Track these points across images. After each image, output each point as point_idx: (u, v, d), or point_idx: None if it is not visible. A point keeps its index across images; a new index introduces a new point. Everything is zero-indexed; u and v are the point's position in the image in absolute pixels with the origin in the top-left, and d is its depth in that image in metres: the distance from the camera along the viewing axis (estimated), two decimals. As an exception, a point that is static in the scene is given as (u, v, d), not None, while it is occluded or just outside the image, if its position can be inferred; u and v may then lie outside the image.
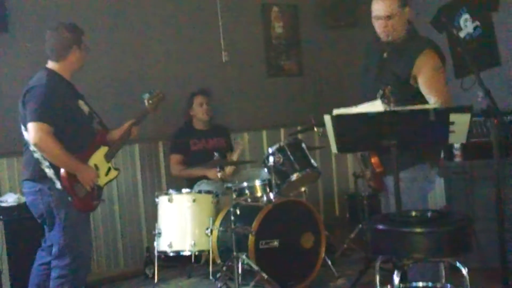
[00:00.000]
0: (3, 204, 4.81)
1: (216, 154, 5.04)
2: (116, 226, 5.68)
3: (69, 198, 3.96)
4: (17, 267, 4.72)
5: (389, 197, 3.90)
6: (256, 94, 6.54)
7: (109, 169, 4.27)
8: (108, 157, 4.26)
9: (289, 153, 4.95)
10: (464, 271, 3.20)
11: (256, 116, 6.50)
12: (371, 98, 3.52)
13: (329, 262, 5.02)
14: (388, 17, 3.74)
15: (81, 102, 4.15)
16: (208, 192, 5.11)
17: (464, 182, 4.88)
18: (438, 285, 3.53)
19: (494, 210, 3.46)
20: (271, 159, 4.90)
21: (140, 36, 5.82)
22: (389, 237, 3.17)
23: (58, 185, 3.94)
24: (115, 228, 5.68)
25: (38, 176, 3.97)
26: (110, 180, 4.33)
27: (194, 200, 4.92)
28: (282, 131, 6.65)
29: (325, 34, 6.98)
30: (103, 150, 4.23)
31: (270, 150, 4.98)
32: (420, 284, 3.60)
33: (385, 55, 3.88)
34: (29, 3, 5.26)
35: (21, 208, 4.80)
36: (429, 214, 3.32)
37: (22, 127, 4.01)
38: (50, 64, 4.09)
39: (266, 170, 4.99)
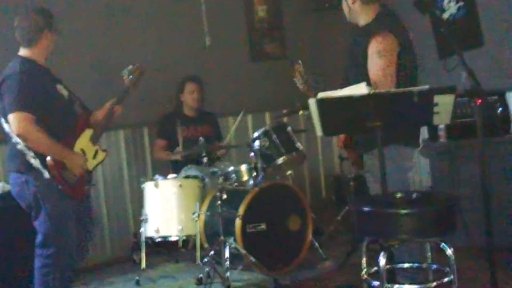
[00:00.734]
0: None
1: (201, 139, 5.04)
2: (102, 212, 5.67)
3: (59, 187, 3.87)
4: (2, 255, 4.66)
5: (367, 175, 4.01)
6: (240, 78, 6.53)
7: (96, 151, 4.19)
8: (94, 139, 4.17)
9: (274, 136, 4.98)
10: (449, 251, 3.23)
11: (241, 100, 6.48)
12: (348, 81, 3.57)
13: (316, 244, 5.05)
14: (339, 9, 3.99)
15: (59, 87, 4.04)
16: (194, 177, 5.11)
17: (449, 162, 4.91)
18: (424, 265, 3.56)
19: (479, 189, 3.48)
20: (256, 143, 4.92)
21: (122, 20, 5.77)
22: (375, 219, 3.19)
23: (46, 174, 3.84)
24: (102, 214, 5.66)
25: (24, 167, 3.87)
26: (99, 163, 4.25)
27: (180, 186, 4.92)
28: (267, 115, 6.65)
29: (308, 17, 6.97)
30: (88, 133, 4.14)
31: (256, 134, 4.99)
32: (406, 264, 3.63)
33: (355, 39, 3.94)
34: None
35: (5, 196, 4.77)
36: (414, 195, 3.34)
37: (2, 119, 3.91)
38: (22, 51, 3.96)
39: (252, 153, 4.99)
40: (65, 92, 4.06)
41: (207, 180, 5.12)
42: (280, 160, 4.95)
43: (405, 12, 4.10)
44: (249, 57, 6.68)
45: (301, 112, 5.39)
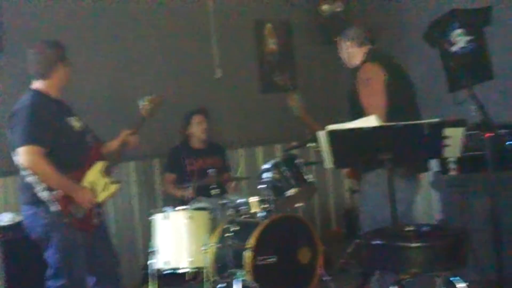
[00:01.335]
0: (2, 225, 4.79)
1: (210, 170, 5.06)
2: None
3: (65, 220, 3.86)
4: (14, 286, 4.70)
5: (359, 203, 4.17)
6: (250, 110, 6.56)
7: (107, 183, 4.15)
8: (105, 171, 4.15)
9: (284, 168, 4.97)
10: (461, 285, 3.20)
11: (251, 132, 6.51)
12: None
13: (327, 277, 5.02)
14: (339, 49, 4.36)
15: (71, 119, 4.04)
16: (204, 208, 5.11)
17: (460, 195, 4.89)
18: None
19: (490, 222, 3.47)
20: (266, 175, 4.92)
21: (134, 52, 5.84)
22: (385, 252, 3.17)
23: (53, 207, 3.84)
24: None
25: (32, 200, 3.87)
26: (110, 195, 4.22)
27: (190, 217, 4.91)
28: (277, 147, 6.66)
29: (318, 50, 7.02)
30: (99, 165, 4.12)
31: (266, 166, 4.99)
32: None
33: (351, 81, 4.17)
34: (25, 23, 5.27)
35: (16, 227, 4.79)
36: (424, 228, 3.32)
37: (12, 152, 3.90)
38: (35, 84, 3.98)
39: (262, 186, 4.99)
40: (77, 124, 4.05)
41: (217, 212, 5.12)
42: (290, 192, 4.93)
43: (415, 46, 4.15)
44: (259, 89, 6.71)
45: (311, 144, 5.41)
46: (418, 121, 3.32)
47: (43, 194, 3.83)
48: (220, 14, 6.34)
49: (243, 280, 4.60)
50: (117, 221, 5.70)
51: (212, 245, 4.86)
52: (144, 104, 4.36)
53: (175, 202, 5.45)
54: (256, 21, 6.71)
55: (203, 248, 4.81)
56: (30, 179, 3.85)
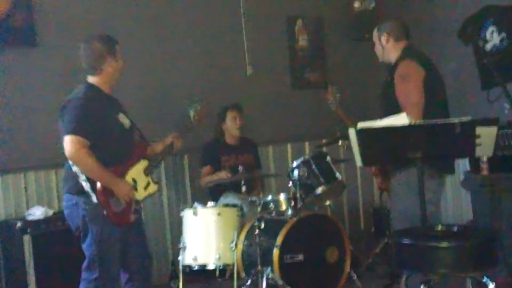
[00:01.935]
0: (31, 218, 4.86)
1: (240, 167, 5.07)
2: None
3: (104, 212, 3.91)
4: (45, 281, 4.75)
5: (390, 201, 4.14)
6: (281, 107, 6.55)
7: (148, 183, 4.20)
8: (148, 170, 4.19)
9: (314, 166, 4.94)
10: (491, 286, 3.15)
11: (281, 129, 6.50)
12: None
13: (354, 277, 4.98)
14: (374, 44, 4.29)
15: (121, 115, 4.09)
16: (233, 205, 5.11)
17: (491, 195, 4.82)
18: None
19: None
20: (296, 172, 4.90)
21: (166, 50, 5.86)
22: (414, 252, 3.14)
23: (94, 198, 3.88)
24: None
25: (75, 189, 3.94)
26: (150, 194, 4.26)
27: (219, 214, 4.91)
28: (307, 144, 6.64)
29: (349, 47, 6.98)
30: (143, 163, 4.17)
31: (295, 163, 4.97)
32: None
33: (386, 77, 4.12)
34: (57, 17, 5.32)
35: (48, 221, 4.87)
36: (454, 228, 3.28)
37: (61, 140, 3.98)
38: (89, 78, 4.06)
39: (291, 183, 4.97)
40: (125, 121, 4.10)
41: (245, 209, 5.11)
42: (319, 190, 4.90)
43: (448, 43, 4.09)
44: (290, 86, 6.70)
45: (341, 142, 5.37)
46: (450, 120, 3.27)
47: (85, 185, 3.89)
48: (251, 10, 6.33)
49: (270, 278, 4.59)
50: (146, 216, 5.68)
51: (240, 242, 4.86)
52: (194, 113, 4.42)
53: (204, 197, 5.46)
54: (287, 17, 6.69)
55: (231, 245, 4.82)
56: (74, 169, 3.91)
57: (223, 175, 5.47)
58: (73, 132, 3.82)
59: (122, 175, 4.04)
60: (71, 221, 4.02)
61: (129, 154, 4.11)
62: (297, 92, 6.72)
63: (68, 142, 3.82)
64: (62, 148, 3.93)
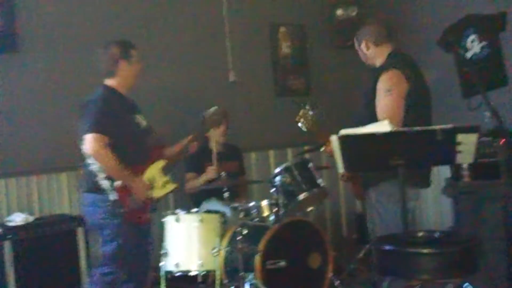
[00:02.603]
0: (11, 224, 4.82)
1: (222, 174, 5.06)
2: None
3: (122, 210, 4.02)
4: (25, 286, 4.72)
5: (369, 210, 4.12)
6: (264, 113, 6.55)
7: (166, 182, 4.34)
8: (165, 170, 4.34)
9: (296, 172, 4.94)
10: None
11: (263, 135, 6.50)
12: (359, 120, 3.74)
13: (337, 282, 5.00)
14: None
15: (137, 116, 4.24)
16: (215, 212, 5.10)
17: (472, 202, 4.86)
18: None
19: (502, 230, 3.44)
20: (278, 178, 4.91)
21: (150, 54, 5.82)
22: (396, 258, 3.16)
23: (112, 196, 4.01)
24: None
25: (94, 188, 4.07)
26: (167, 193, 4.41)
27: (201, 220, 4.89)
28: (289, 150, 6.65)
29: (332, 54, 7.01)
30: (160, 163, 4.32)
31: (278, 170, 4.98)
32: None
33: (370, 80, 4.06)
34: (39, 23, 5.31)
35: (29, 227, 4.83)
36: (436, 234, 3.30)
37: (79, 141, 4.10)
38: (106, 81, 4.21)
39: (273, 189, 4.98)
40: (142, 122, 4.26)
41: (228, 215, 5.11)
42: (302, 196, 4.90)
43: (429, 51, 4.12)
44: (273, 93, 6.71)
45: (323, 148, 5.38)
46: (431, 127, 3.30)
47: (104, 183, 4.02)
48: (234, 17, 6.35)
49: (253, 284, 4.59)
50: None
51: (222, 248, 4.86)
52: (208, 116, 4.71)
53: (186, 204, 5.44)
54: (270, 25, 6.71)
55: (213, 251, 4.81)
56: (93, 167, 4.04)
57: (210, 173, 5.45)
58: (94, 130, 3.96)
59: (140, 174, 4.18)
60: (90, 218, 4.21)
61: (146, 154, 4.26)
62: (280, 99, 6.73)
63: (90, 140, 3.96)
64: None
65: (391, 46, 4.08)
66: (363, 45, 4.16)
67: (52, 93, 5.32)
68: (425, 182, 4.03)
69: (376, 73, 3.97)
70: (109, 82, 4.21)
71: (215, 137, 5.70)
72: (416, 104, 3.85)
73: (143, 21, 5.86)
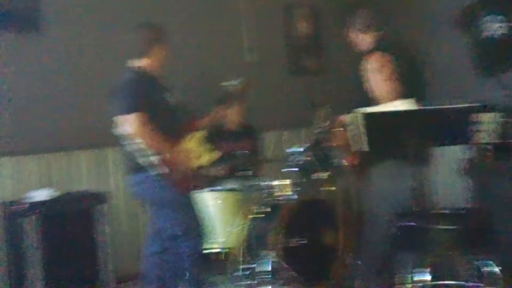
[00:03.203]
0: (32, 200, 4.88)
1: (240, 152, 5.12)
2: (139, 223, 5.75)
3: (169, 182, 4.10)
4: (47, 263, 4.80)
5: (368, 190, 4.31)
6: (278, 93, 6.58)
7: (204, 151, 4.43)
8: (201, 141, 4.43)
9: (312, 151, 4.99)
10: (496, 269, 3.19)
11: (278, 115, 6.53)
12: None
13: (351, 259, 5.04)
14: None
15: (167, 94, 4.31)
16: (233, 190, 5.15)
17: (490, 182, 4.87)
18: (464, 282, 3.53)
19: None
20: (294, 157, 4.95)
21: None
22: (413, 233, 3.19)
23: (157, 171, 4.08)
24: (139, 225, 5.75)
25: (137, 167, 4.15)
26: (208, 161, 4.49)
27: (219, 198, 4.97)
28: (303, 130, 6.67)
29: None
30: (197, 134, 4.41)
31: (293, 149, 5.02)
32: (444, 281, 3.61)
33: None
34: (62, 2, 5.33)
35: (54, 203, 4.91)
36: (453, 211, 3.34)
37: (114, 123, 4.18)
38: (137, 62, 4.25)
39: (290, 168, 5.02)
40: (172, 100, 4.33)
41: (245, 193, 5.16)
42: (318, 175, 4.97)
43: (446, 31, 4.12)
44: (287, 72, 6.73)
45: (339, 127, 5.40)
46: (453, 106, 3.33)
47: (147, 160, 4.09)
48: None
49: (271, 262, 4.65)
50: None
51: (240, 226, 4.92)
52: (233, 84, 4.75)
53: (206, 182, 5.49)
54: (285, 5, 6.71)
55: (232, 229, 4.88)
56: (133, 147, 4.11)
57: (220, 173, 5.49)
58: (131, 109, 4.03)
59: (179, 146, 4.25)
60: (141, 197, 4.36)
61: (180, 128, 4.32)
62: (294, 79, 6.75)
63: (129, 120, 4.02)
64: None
65: (379, 33, 4.26)
66: (350, 32, 4.38)
67: (74, 72, 5.37)
68: (425, 159, 4.12)
69: (363, 58, 4.18)
70: (139, 63, 4.25)
71: (232, 115, 5.74)
72: (406, 83, 4.01)
73: (162, 2, 5.87)
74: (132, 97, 4.08)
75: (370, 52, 4.13)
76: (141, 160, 4.11)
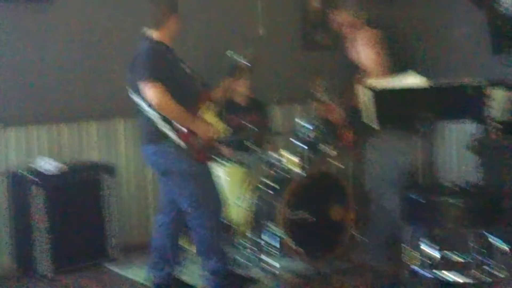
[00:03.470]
0: (41, 170, 4.91)
1: (248, 126, 5.10)
2: (147, 195, 5.77)
3: (189, 152, 4.09)
4: (53, 232, 4.85)
5: (367, 167, 4.46)
6: (291, 67, 6.53)
7: (217, 123, 4.40)
8: (215, 112, 4.43)
9: (321, 126, 4.97)
10: (504, 247, 3.16)
11: (289, 89, 6.49)
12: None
13: (357, 235, 5.03)
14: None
15: (183, 65, 4.28)
16: (240, 162, 5.14)
17: (498, 159, 4.82)
18: (470, 256, 3.49)
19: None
20: (303, 131, 4.93)
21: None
22: (421, 207, 3.16)
23: (177, 141, 4.07)
24: (147, 197, 5.76)
25: (156, 137, 4.12)
26: (220, 133, 4.46)
27: (225, 171, 4.96)
28: (314, 104, 6.62)
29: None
30: (210, 106, 4.36)
31: (302, 123, 5.00)
32: (457, 257, 3.58)
33: None
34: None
35: (59, 174, 4.92)
36: (463, 185, 3.31)
37: (132, 93, 4.15)
38: (152, 33, 4.19)
39: (298, 142, 5.00)
40: (188, 70, 4.30)
41: (252, 166, 5.15)
42: (326, 150, 4.94)
43: (458, 6, 4.06)
44: (301, 47, 6.68)
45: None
46: (463, 81, 3.28)
47: (166, 129, 4.07)
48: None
49: (276, 234, 4.65)
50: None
51: (246, 199, 4.92)
52: (243, 57, 4.65)
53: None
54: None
55: (237, 201, 4.87)
56: (152, 116, 4.08)
57: (226, 153, 5.41)
58: (153, 79, 3.98)
59: (197, 117, 4.23)
60: (159, 168, 4.26)
61: (196, 99, 4.27)
62: (307, 53, 6.69)
63: (149, 89, 3.98)
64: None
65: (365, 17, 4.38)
66: (342, 14, 4.48)
67: (85, 43, 5.36)
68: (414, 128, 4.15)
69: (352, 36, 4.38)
70: (155, 34, 4.19)
71: (240, 89, 5.71)
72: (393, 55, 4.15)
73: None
74: (155, 65, 4.03)
75: (358, 29, 4.30)
76: (161, 129, 4.08)
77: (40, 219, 4.78)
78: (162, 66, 4.06)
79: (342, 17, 4.44)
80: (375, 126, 3.42)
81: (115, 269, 5.06)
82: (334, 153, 4.96)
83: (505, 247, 3.22)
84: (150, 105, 4.04)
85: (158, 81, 3.97)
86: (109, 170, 5.21)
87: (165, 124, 4.07)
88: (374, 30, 4.26)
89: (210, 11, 6.02)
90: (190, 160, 4.13)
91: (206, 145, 4.19)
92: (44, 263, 4.81)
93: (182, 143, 4.08)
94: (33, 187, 4.78)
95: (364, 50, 4.20)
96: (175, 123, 4.07)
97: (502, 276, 3.19)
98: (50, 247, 4.82)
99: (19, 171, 4.96)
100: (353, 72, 4.29)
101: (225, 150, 5.24)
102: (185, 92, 4.16)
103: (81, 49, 5.34)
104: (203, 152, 4.19)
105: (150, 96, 3.98)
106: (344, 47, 4.44)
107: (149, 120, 4.11)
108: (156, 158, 4.20)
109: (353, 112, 4.38)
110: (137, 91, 4.08)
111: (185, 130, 4.08)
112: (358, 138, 4.48)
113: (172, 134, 4.08)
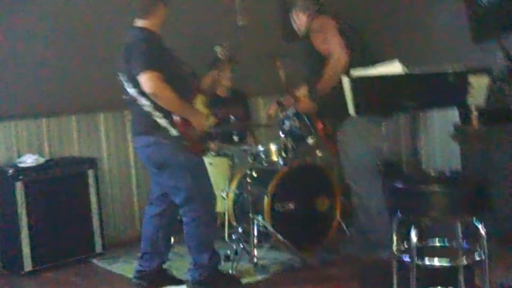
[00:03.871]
0: (22, 165, 4.87)
1: (232, 118, 5.09)
2: (132, 188, 5.75)
3: (185, 143, 4.05)
4: (37, 228, 4.82)
5: (340, 153, 4.65)
6: (272, 59, 6.51)
7: (207, 115, 4.33)
8: (206, 103, 4.36)
9: (305, 116, 4.97)
10: (482, 230, 3.19)
11: (271, 80, 6.48)
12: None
13: (344, 226, 5.06)
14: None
15: (174, 54, 4.23)
16: (224, 155, 5.14)
17: (481, 147, 4.86)
18: (455, 243, 3.53)
19: (509, 175, 3.46)
20: (287, 123, 4.93)
21: None
22: (407, 196, 3.18)
23: (174, 132, 4.02)
24: (131, 191, 5.74)
25: (151, 128, 4.05)
26: (209, 125, 4.39)
27: (210, 163, 4.95)
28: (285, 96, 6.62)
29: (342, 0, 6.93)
30: (201, 97, 4.32)
31: (286, 114, 5.00)
32: (437, 242, 3.61)
33: None
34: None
35: (40, 169, 4.88)
36: (447, 173, 3.33)
37: (127, 84, 4.07)
38: (139, 22, 4.12)
39: (282, 133, 5.00)
40: (179, 61, 4.26)
41: (237, 158, 5.15)
42: (310, 140, 4.95)
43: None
44: (281, 38, 6.67)
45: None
46: (443, 69, 3.29)
47: (162, 121, 4.01)
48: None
49: (261, 226, 4.66)
50: (138, 166, 5.75)
51: (231, 191, 4.92)
52: (221, 50, 4.72)
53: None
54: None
55: (222, 193, 4.87)
56: (147, 108, 4.01)
57: (212, 147, 5.44)
58: (150, 68, 3.90)
59: (192, 107, 4.19)
60: (153, 160, 4.15)
61: (189, 89, 4.24)
62: (288, 44, 6.69)
63: (147, 79, 3.89)
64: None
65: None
66: (297, 14, 4.83)
67: (64, 36, 5.31)
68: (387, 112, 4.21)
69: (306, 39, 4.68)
70: (142, 23, 4.11)
71: (222, 81, 5.71)
72: (353, 44, 4.43)
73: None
74: (151, 54, 3.95)
75: (310, 20, 4.58)
76: (156, 120, 4.02)
77: (24, 213, 4.74)
78: (159, 55, 4.00)
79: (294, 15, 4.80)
80: (352, 113, 3.41)
81: (101, 264, 5.04)
82: (314, 143, 4.96)
83: (482, 232, 3.24)
84: (145, 95, 3.96)
85: (157, 70, 3.90)
86: (93, 163, 5.19)
87: (161, 115, 4.02)
88: (325, 16, 4.55)
89: (189, 2, 5.98)
90: (186, 152, 4.09)
91: (201, 136, 4.17)
92: (29, 259, 4.77)
93: (179, 134, 4.03)
94: (17, 183, 4.74)
95: (319, 37, 4.47)
96: (172, 113, 4.01)
97: (481, 259, 3.21)
98: (35, 242, 4.79)
99: (2, 166, 4.93)
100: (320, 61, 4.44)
101: (210, 143, 5.24)
102: (180, 82, 4.11)
103: (60, 43, 5.28)
104: (199, 144, 4.18)
105: (149, 86, 3.89)
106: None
107: (144, 111, 4.04)
108: (152, 150, 4.11)
109: (323, 103, 4.46)
110: (132, 81, 4.00)
111: (182, 120, 4.03)
112: (329, 129, 4.61)
113: (168, 125, 4.03)
